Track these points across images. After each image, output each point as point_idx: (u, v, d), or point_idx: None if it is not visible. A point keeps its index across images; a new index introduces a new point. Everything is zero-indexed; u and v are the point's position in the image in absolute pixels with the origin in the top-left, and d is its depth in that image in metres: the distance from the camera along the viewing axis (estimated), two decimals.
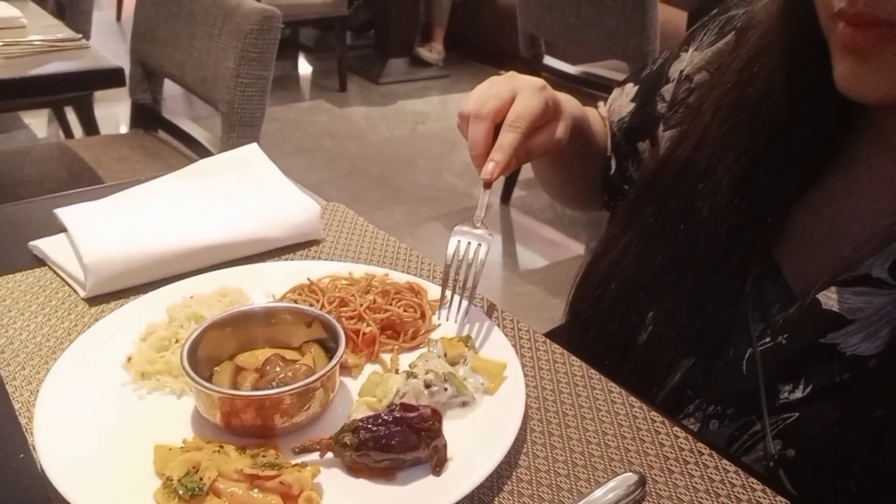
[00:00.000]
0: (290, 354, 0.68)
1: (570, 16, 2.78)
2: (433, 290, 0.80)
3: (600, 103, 1.03)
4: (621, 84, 0.99)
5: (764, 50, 0.72)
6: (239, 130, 1.95)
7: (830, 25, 0.60)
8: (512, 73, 0.81)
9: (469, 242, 0.78)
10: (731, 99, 0.75)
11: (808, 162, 0.72)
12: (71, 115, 3.05)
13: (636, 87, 0.95)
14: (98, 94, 2.72)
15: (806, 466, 0.68)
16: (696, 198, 0.77)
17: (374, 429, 0.58)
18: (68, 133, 3.12)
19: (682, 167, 0.79)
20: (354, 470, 0.59)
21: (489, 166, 0.76)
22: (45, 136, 3.81)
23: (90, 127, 2.64)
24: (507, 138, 0.76)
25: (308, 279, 0.78)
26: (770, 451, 0.69)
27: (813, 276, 0.71)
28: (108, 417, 0.63)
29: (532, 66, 3.11)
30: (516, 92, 0.78)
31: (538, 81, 0.80)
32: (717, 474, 0.62)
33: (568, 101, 0.86)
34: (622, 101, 0.97)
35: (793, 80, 0.69)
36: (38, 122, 3.99)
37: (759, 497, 0.60)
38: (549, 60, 3.09)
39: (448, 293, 0.77)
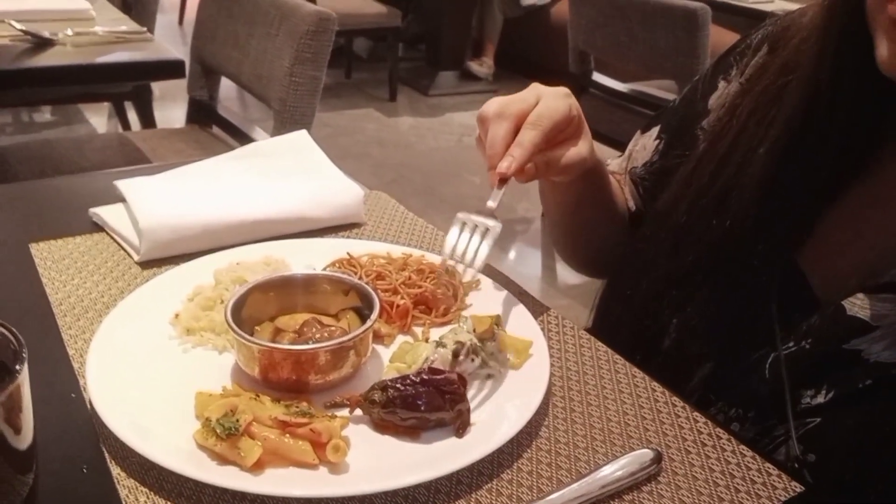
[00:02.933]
0: (327, 320, 0.71)
1: (620, 32, 2.80)
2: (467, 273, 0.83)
3: (608, 161, 1.02)
4: (643, 130, 0.98)
5: (808, 39, 0.74)
6: (290, 127, 2.01)
7: (876, 9, 0.61)
8: (535, 84, 0.79)
9: (476, 226, 0.75)
10: (772, 93, 0.76)
11: (839, 164, 0.73)
12: (130, 113, 3.18)
13: (658, 126, 0.95)
14: (156, 93, 2.83)
15: (827, 471, 0.68)
16: (729, 192, 0.78)
17: (402, 388, 0.61)
18: (126, 127, 3.24)
19: (719, 162, 0.80)
20: (381, 427, 0.61)
21: (505, 161, 0.73)
22: (104, 130, 3.95)
23: (148, 121, 2.74)
24: (528, 135, 0.74)
25: (348, 253, 0.82)
26: (793, 453, 0.70)
27: (838, 283, 0.72)
28: (154, 366, 0.67)
29: (581, 83, 3.13)
30: (540, 97, 0.77)
31: (563, 89, 0.79)
32: (733, 457, 0.63)
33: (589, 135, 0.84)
34: (644, 142, 0.96)
35: (837, 61, 0.69)
36: (98, 118, 4.14)
37: (775, 481, 0.61)
38: (598, 77, 3.10)
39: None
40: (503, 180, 0.75)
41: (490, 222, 0.75)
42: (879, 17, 0.62)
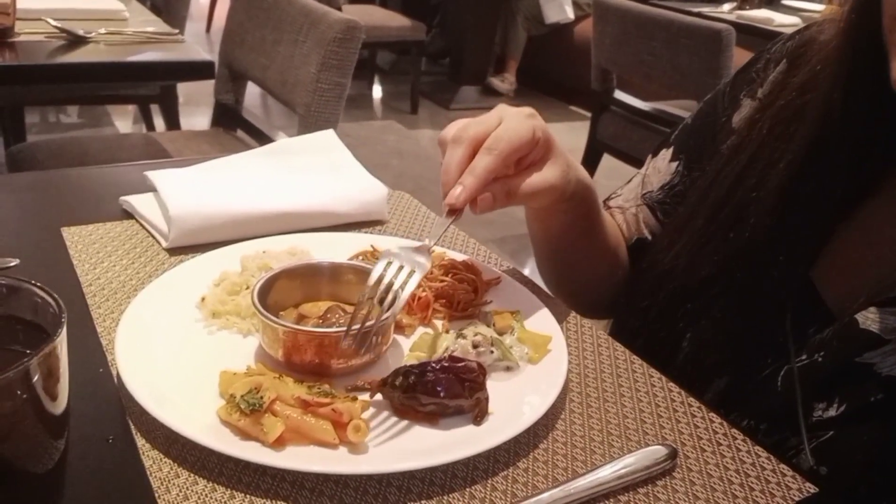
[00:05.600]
0: (350, 308, 0.72)
1: (643, 51, 2.81)
2: (487, 270, 0.84)
3: (617, 192, 1.00)
4: (654, 154, 0.97)
5: (826, 60, 0.75)
6: (314, 132, 2.05)
7: (891, 26, 0.62)
8: (501, 105, 0.75)
9: (402, 266, 0.67)
10: (791, 110, 0.77)
11: (852, 179, 0.73)
12: (155, 118, 3.24)
13: (671, 148, 0.94)
14: (180, 99, 2.88)
15: (840, 484, 0.69)
16: (747, 206, 0.78)
17: (423, 374, 0.62)
18: (151, 130, 3.29)
19: (737, 178, 0.80)
20: (401, 412, 0.62)
21: (456, 190, 0.68)
22: (130, 132, 4.01)
23: (173, 123, 2.79)
24: (482, 161, 0.69)
25: (372, 246, 0.83)
26: (805, 465, 0.70)
27: (851, 297, 0.72)
28: (180, 346, 0.68)
29: (602, 100, 3.15)
30: (503, 118, 0.72)
31: (527, 109, 0.74)
32: (748, 457, 0.64)
33: (576, 164, 0.80)
34: (658, 165, 0.95)
35: (851, 83, 0.71)
36: (123, 121, 4.21)
37: (789, 482, 0.61)
38: (620, 95, 3.12)
39: (357, 325, 0.64)
40: (453, 211, 0.70)
41: (420, 259, 0.69)
42: (892, 36, 0.63)
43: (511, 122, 0.71)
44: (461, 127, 0.72)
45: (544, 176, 0.73)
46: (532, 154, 0.73)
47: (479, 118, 0.72)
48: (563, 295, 0.99)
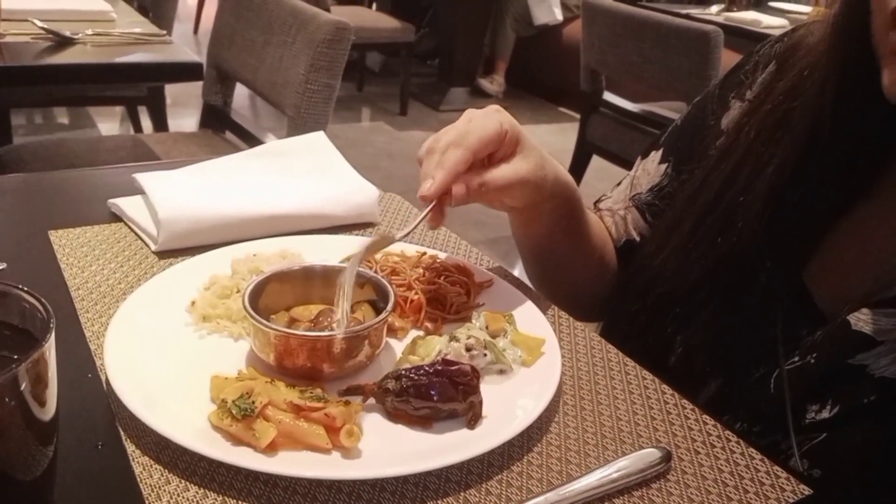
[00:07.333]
0: None
1: (632, 52, 2.82)
2: (479, 272, 0.84)
3: (607, 195, 1.00)
4: (643, 156, 0.97)
5: (814, 65, 0.75)
6: (303, 134, 2.04)
7: (883, 35, 0.62)
8: (469, 110, 0.77)
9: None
10: (778, 115, 0.77)
11: (843, 183, 0.73)
12: (143, 118, 3.22)
13: (661, 150, 0.94)
14: (168, 100, 2.86)
15: (833, 487, 0.69)
16: (735, 211, 0.78)
17: (416, 377, 0.61)
18: (139, 131, 3.27)
19: (724, 182, 0.80)
20: (394, 415, 0.62)
21: (427, 183, 0.70)
22: (117, 133, 3.98)
23: (161, 125, 2.77)
24: (451, 155, 0.71)
25: None
26: (797, 469, 0.70)
27: (843, 299, 0.72)
28: (170, 350, 0.68)
29: (591, 101, 3.15)
30: (471, 119, 0.75)
31: (493, 106, 0.77)
32: (742, 459, 0.64)
33: (554, 163, 0.81)
34: (647, 167, 0.95)
35: (841, 89, 0.70)
36: (110, 123, 4.18)
37: (783, 483, 0.61)
38: (609, 96, 3.12)
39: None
40: (429, 205, 0.71)
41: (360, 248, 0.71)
42: (884, 43, 0.63)
43: (478, 120, 0.74)
44: (433, 139, 0.75)
45: (514, 167, 0.75)
46: (502, 149, 0.75)
47: (448, 126, 0.75)
48: (554, 299, 0.99)
